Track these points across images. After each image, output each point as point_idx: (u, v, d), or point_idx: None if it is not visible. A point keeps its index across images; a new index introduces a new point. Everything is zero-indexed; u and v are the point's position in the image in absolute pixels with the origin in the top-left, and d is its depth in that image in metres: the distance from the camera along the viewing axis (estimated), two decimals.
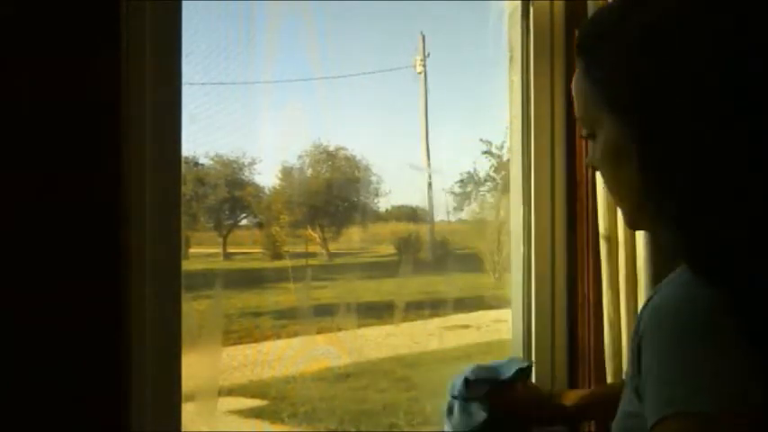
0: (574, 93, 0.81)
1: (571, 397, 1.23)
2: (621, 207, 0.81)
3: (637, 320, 0.72)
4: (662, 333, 0.65)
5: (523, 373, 1.24)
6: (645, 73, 0.69)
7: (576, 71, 0.80)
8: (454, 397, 1.21)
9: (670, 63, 0.67)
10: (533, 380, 1.44)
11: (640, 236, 1.32)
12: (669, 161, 0.68)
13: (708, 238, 0.66)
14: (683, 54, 0.67)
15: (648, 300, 0.73)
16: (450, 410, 1.22)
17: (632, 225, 0.83)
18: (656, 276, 1.24)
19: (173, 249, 0.93)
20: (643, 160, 0.70)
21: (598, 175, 1.37)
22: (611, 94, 0.73)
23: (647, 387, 0.65)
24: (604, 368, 1.38)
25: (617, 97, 0.72)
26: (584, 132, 0.81)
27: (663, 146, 0.68)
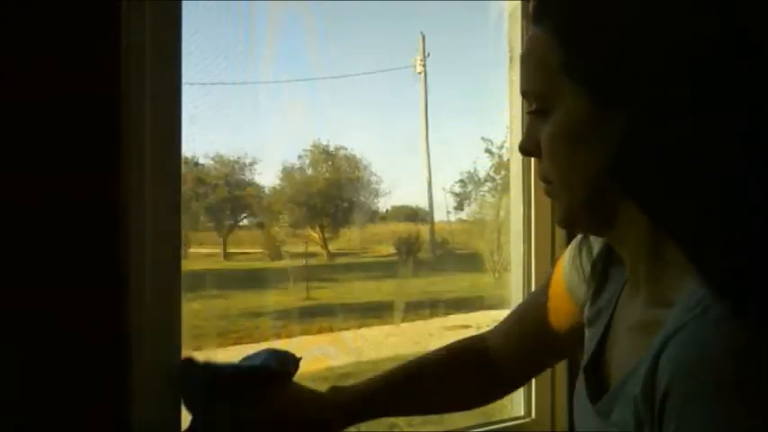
0: (527, 61, 0.71)
1: (346, 394, 0.96)
2: (563, 197, 0.71)
3: (651, 363, 0.57)
4: (706, 399, 0.52)
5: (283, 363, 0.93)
6: (645, 51, 0.61)
7: (534, 35, 0.70)
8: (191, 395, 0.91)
9: (674, 44, 0.61)
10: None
11: None
12: (656, 151, 0.61)
13: (735, 252, 0.57)
14: (690, 35, 0.60)
15: (666, 340, 0.57)
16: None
17: (568, 221, 0.72)
18: None
19: (173, 249, 0.93)
20: (625, 146, 0.62)
21: None
22: (592, 65, 0.64)
23: None
24: None
25: (601, 70, 0.63)
26: (532, 107, 0.70)
27: (652, 132, 0.61)
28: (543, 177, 0.72)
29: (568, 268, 0.90)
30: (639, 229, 0.66)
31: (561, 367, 1.45)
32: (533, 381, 1.43)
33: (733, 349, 0.52)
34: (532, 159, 1.46)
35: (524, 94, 0.72)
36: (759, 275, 0.55)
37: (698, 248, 0.59)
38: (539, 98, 0.70)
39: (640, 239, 0.67)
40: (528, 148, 0.72)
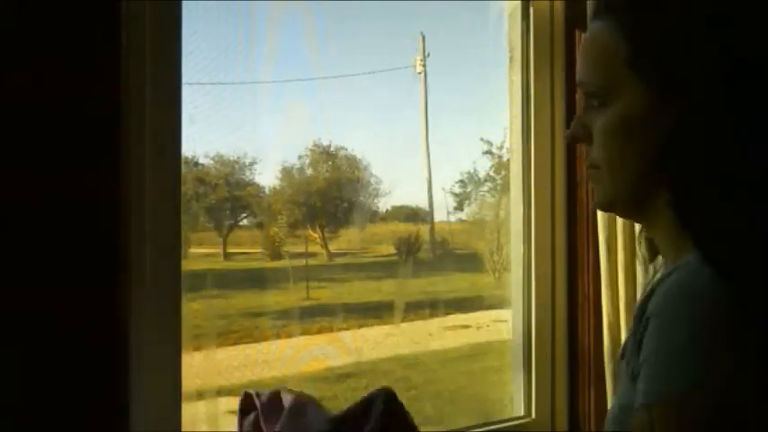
0: (589, 53, 0.75)
1: None
2: (608, 183, 0.75)
3: (642, 300, 0.70)
4: (677, 320, 0.63)
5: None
6: (704, 51, 0.67)
7: (597, 29, 0.74)
8: None
9: (731, 45, 0.66)
10: (533, 380, 1.44)
11: None
12: (710, 142, 0.66)
13: (734, 230, 0.64)
14: (746, 38, 0.66)
15: (660, 281, 0.69)
16: None
17: (609, 205, 0.78)
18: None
19: (173, 249, 0.93)
20: (676, 139, 0.67)
21: None
22: (656, 61, 0.69)
23: (644, 366, 0.64)
24: (604, 368, 1.38)
25: (663, 65, 0.69)
26: (594, 101, 0.75)
27: (703, 127, 0.66)
28: (591, 163, 0.77)
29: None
30: (666, 217, 0.71)
31: (561, 367, 1.45)
32: (533, 381, 1.43)
33: (706, 292, 0.62)
34: (532, 160, 1.47)
35: (581, 84, 0.76)
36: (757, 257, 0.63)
37: (714, 245, 0.65)
38: (598, 89, 0.74)
39: (668, 227, 0.72)
40: (577, 135, 0.77)
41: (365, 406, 0.88)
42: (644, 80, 0.70)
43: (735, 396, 0.60)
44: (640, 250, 0.91)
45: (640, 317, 0.68)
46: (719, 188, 0.66)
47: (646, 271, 0.94)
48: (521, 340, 1.46)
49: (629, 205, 0.77)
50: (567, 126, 1.46)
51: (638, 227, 1.32)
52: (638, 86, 0.70)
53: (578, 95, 0.77)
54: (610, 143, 0.74)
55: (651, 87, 0.70)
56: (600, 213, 1.36)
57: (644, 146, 0.71)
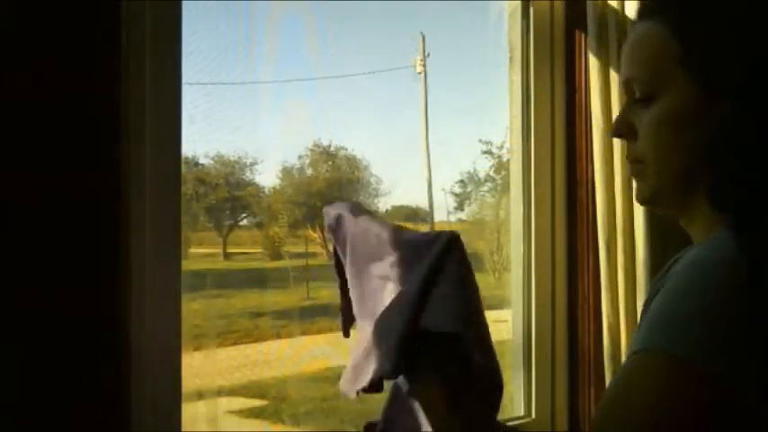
0: (638, 52, 0.77)
1: None
2: (653, 178, 0.77)
3: (670, 264, 0.73)
4: (691, 284, 0.65)
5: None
6: (753, 51, 0.69)
7: (646, 29, 0.76)
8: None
9: None
10: (534, 381, 1.44)
11: (639, 236, 1.32)
12: (757, 140, 0.68)
13: None
14: None
15: (688, 249, 0.73)
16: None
17: (653, 200, 0.79)
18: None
19: (173, 249, 0.93)
20: (729, 132, 0.69)
21: (597, 174, 1.37)
22: (707, 60, 0.71)
23: (647, 318, 0.65)
24: (604, 368, 1.38)
25: (713, 63, 0.71)
26: (640, 98, 0.76)
27: (751, 125, 0.68)
28: (634, 158, 0.78)
29: None
30: (705, 213, 0.73)
31: (561, 367, 1.45)
32: (533, 381, 1.43)
33: (726, 265, 0.63)
34: (532, 160, 1.47)
35: (629, 81, 0.77)
36: None
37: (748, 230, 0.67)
38: (646, 86, 0.75)
39: (704, 222, 0.74)
40: (620, 130, 0.79)
41: (430, 239, 0.87)
42: (694, 77, 0.72)
43: (725, 373, 0.60)
44: None
45: (662, 276, 0.70)
46: (765, 185, 0.67)
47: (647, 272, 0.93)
48: (521, 340, 1.46)
49: (672, 199, 0.78)
50: (567, 126, 1.46)
51: (637, 227, 1.32)
52: (688, 83, 0.72)
53: (620, 92, 0.80)
54: (658, 137, 0.75)
55: (701, 84, 0.71)
56: (600, 215, 1.36)
57: (691, 140, 0.72)
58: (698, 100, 0.72)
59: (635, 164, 0.79)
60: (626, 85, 0.79)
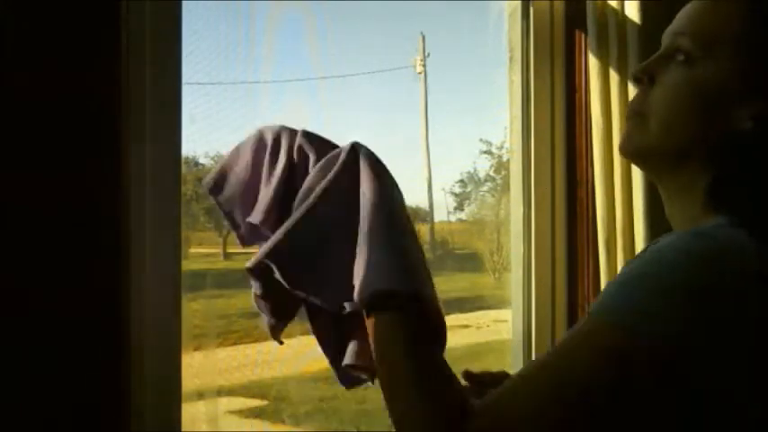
0: (703, 14, 0.75)
1: None
2: (662, 133, 0.75)
3: (651, 243, 0.74)
4: (660, 263, 0.64)
5: None
6: None
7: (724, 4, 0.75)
8: None
9: None
10: None
11: (639, 236, 1.32)
12: None
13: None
14: None
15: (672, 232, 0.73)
16: None
17: (648, 152, 0.77)
18: None
19: (173, 249, 0.93)
20: (752, 135, 0.69)
21: (597, 174, 1.37)
22: (756, 47, 0.71)
23: (610, 285, 0.66)
24: None
25: (762, 57, 0.70)
26: (681, 55, 0.74)
27: None
28: (638, 111, 0.76)
29: None
30: (699, 187, 0.73)
31: None
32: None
33: (703, 254, 0.62)
34: (532, 160, 1.46)
35: (678, 33, 0.75)
36: None
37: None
38: (697, 42, 0.73)
39: (693, 197, 0.73)
40: (642, 76, 0.76)
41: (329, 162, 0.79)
42: (743, 62, 0.70)
43: (664, 335, 0.60)
44: None
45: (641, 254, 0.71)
46: None
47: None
48: (521, 340, 1.46)
49: (665, 160, 0.76)
50: (567, 125, 1.46)
51: (637, 227, 1.32)
52: (736, 65, 0.70)
53: (665, 44, 0.79)
54: (680, 99, 0.73)
55: (746, 71, 0.70)
56: (600, 215, 1.36)
57: (708, 121, 0.71)
58: (735, 86, 0.70)
59: (635, 116, 0.77)
60: (671, 38, 0.77)
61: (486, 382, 0.91)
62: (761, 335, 0.61)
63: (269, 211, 0.79)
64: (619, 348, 0.60)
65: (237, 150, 0.83)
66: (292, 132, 0.83)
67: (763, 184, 0.68)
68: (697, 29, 0.74)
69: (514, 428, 0.62)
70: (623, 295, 0.63)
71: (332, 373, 0.88)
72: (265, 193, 0.80)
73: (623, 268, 0.69)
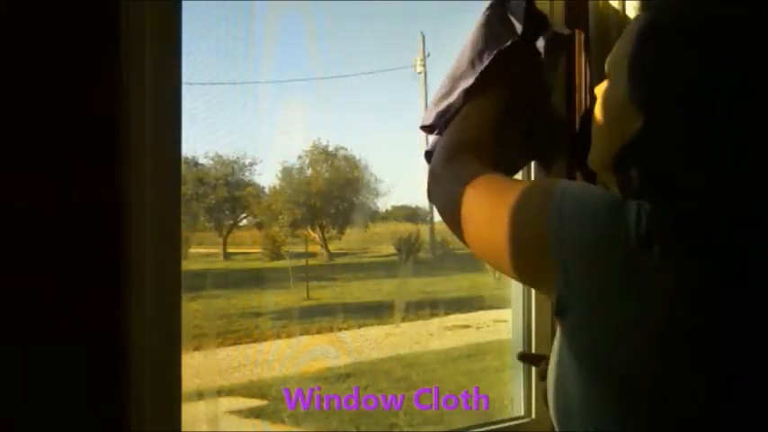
0: (622, 33, 0.83)
1: None
2: (594, 149, 0.85)
3: None
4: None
5: None
6: (680, 74, 0.72)
7: (633, 20, 0.84)
8: None
9: (712, 73, 0.71)
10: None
11: None
12: (657, 164, 0.74)
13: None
14: (725, 68, 0.71)
15: None
16: None
17: (593, 167, 0.87)
18: None
19: (173, 249, 0.93)
20: (637, 143, 0.75)
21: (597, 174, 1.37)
22: (640, 66, 0.76)
23: None
24: None
25: (645, 75, 0.75)
26: (606, 69, 0.84)
27: (662, 147, 0.73)
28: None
29: None
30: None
31: None
32: (533, 381, 1.42)
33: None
34: (532, 160, 1.46)
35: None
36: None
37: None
38: (609, 66, 0.83)
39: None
40: (593, 97, 0.91)
41: None
42: (630, 78, 0.77)
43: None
44: None
45: None
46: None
47: None
48: (521, 340, 1.46)
49: (599, 173, 0.86)
50: (568, 126, 1.46)
51: None
52: (627, 82, 0.77)
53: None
54: (597, 117, 0.83)
55: (630, 88, 0.77)
56: None
57: (613, 132, 0.79)
58: (624, 102, 0.77)
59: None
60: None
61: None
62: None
63: None
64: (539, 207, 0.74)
65: None
66: None
67: (654, 193, 0.72)
68: (611, 54, 0.83)
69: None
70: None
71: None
72: None
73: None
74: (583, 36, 1.42)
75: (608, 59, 0.83)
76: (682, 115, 0.71)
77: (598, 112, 0.83)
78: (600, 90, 0.85)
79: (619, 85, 0.78)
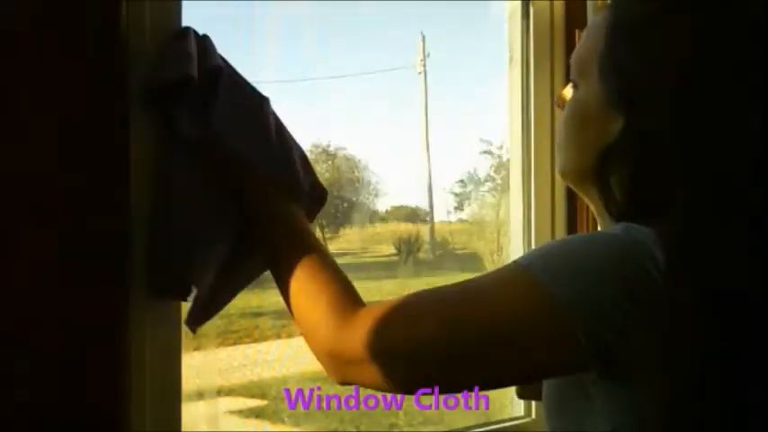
0: (583, 34, 0.79)
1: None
2: (566, 158, 0.82)
3: None
4: (580, 240, 0.72)
5: None
6: (661, 78, 0.69)
7: (597, 18, 0.79)
8: None
9: (693, 78, 0.68)
10: None
11: None
12: (638, 166, 0.70)
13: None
14: (706, 73, 0.68)
15: None
16: None
17: (564, 175, 0.84)
18: None
19: None
20: (616, 147, 0.72)
21: None
22: (615, 66, 0.73)
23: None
24: None
25: (622, 74, 0.72)
26: (571, 77, 0.80)
27: (643, 147, 0.70)
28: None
29: None
30: (600, 204, 0.77)
31: None
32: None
33: (613, 239, 0.66)
34: (532, 159, 1.47)
35: (571, 62, 0.81)
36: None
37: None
38: (573, 70, 0.79)
39: (600, 208, 0.78)
40: (558, 103, 0.85)
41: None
42: (604, 79, 0.74)
43: (555, 292, 0.64)
44: None
45: None
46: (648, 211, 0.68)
47: None
48: None
49: (570, 180, 0.83)
50: None
51: None
52: (600, 83, 0.74)
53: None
54: (565, 125, 0.80)
55: (606, 89, 0.73)
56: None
57: (589, 136, 0.76)
58: (602, 104, 0.74)
59: (557, 143, 0.84)
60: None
61: None
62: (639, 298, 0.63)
63: None
64: (526, 295, 0.66)
65: None
66: None
67: (637, 193, 0.70)
68: (577, 56, 0.79)
69: (391, 331, 0.74)
70: (537, 252, 0.71)
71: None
72: None
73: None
74: None
75: (573, 60, 0.79)
76: (665, 111, 0.68)
77: (569, 117, 0.79)
78: (565, 95, 0.81)
79: (590, 86, 0.75)
